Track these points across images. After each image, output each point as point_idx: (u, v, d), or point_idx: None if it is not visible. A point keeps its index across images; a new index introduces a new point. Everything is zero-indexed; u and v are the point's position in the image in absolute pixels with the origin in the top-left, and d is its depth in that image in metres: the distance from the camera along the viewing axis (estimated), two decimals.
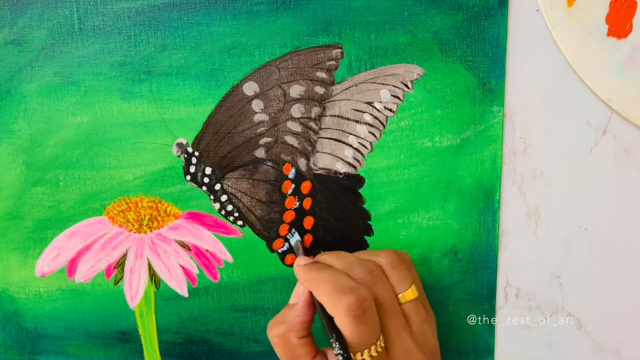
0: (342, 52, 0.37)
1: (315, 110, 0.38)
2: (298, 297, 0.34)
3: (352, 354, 0.31)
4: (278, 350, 0.34)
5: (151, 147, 0.38)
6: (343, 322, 0.31)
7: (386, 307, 0.33)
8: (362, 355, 0.31)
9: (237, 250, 0.40)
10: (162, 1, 0.36)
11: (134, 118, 0.38)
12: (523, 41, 0.38)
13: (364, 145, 0.39)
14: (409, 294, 0.34)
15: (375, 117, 0.38)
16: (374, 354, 0.31)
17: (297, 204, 0.39)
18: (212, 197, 0.39)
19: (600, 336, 0.42)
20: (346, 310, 0.31)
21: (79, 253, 0.39)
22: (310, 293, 0.34)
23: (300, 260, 0.35)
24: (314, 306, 0.34)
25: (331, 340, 0.31)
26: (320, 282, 0.33)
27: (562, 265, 0.41)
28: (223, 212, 0.39)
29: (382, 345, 0.32)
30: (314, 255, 0.40)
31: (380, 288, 0.33)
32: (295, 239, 0.39)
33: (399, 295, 0.34)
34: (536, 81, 0.38)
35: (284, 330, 0.33)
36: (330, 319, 0.32)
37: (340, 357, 0.31)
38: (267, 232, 0.40)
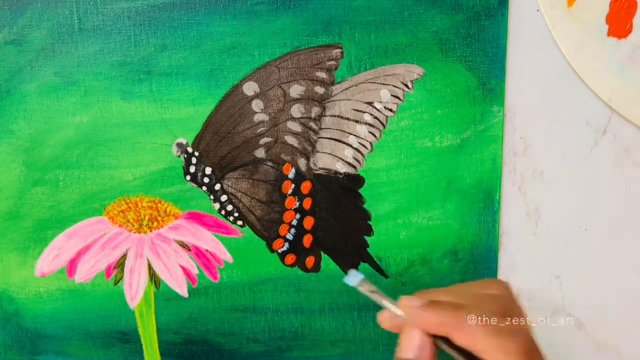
0: (342, 52, 0.37)
1: (315, 110, 0.38)
2: (414, 348, 0.27)
3: None
4: None
5: (151, 147, 0.38)
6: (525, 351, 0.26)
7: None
8: None
9: (237, 250, 0.40)
10: (162, 1, 0.36)
11: (134, 118, 0.38)
12: (523, 41, 0.37)
13: (364, 145, 0.39)
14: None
15: (375, 117, 0.38)
16: None
17: (297, 204, 0.39)
18: (212, 197, 0.39)
19: (600, 336, 0.42)
20: (521, 355, 0.26)
21: (79, 253, 0.39)
22: (434, 341, 0.28)
23: (414, 301, 0.28)
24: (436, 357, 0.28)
25: None
26: (469, 326, 0.26)
27: (562, 265, 0.41)
28: (223, 212, 0.39)
29: None
30: (314, 255, 0.40)
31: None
32: (359, 278, 0.32)
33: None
34: (536, 81, 0.38)
35: None
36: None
37: None
38: (267, 232, 0.40)
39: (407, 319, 0.28)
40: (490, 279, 0.32)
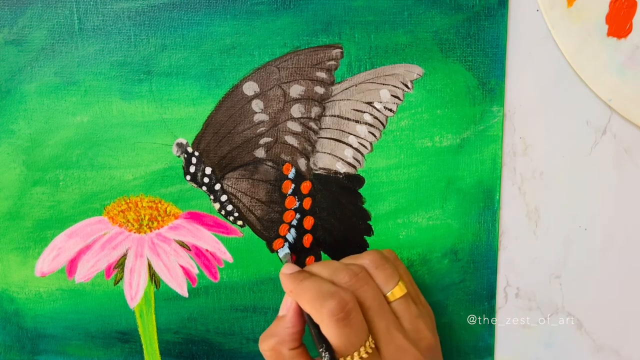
0: (342, 52, 0.37)
1: (315, 110, 0.38)
2: (287, 308, 0.34)
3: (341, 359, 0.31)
4: None
5: (151, 147, 0.38)
6: (327, 328, 0.31)
7: (374, 308, 0.33)
8: (352, 358, 0.31)
9: (237, 250, 0.40)
10: (162, 1, 0.36)
11: (134, 118, 0.38)
12: (523, 41, 0.38)
13: (364, 145, 0.39)
14: (397, 291, 0.34)
15: (375, 117, 0.38)
16: (364, 355, 0.31)
17: (297, 204, 0.39)
18: (212, 197, 0.39)
19: (600, 336, 0.42)
20: (329, 315, 0.31)
21: (79, 253, 0.39)
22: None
23: (286, 269, 0.35)
24: (303, 316, 0.34)
25: (320, 350, 0.31)
26: (302, 291, 0.33)
27: (562, 265, 0.41)
28: (223, 212, 0.39)
29: (372, 346, 0.32)
30: (314, 255, 0.40)
31: (366, 290, 0.33)
32: (284, 252, 0.39)
33: (387, 294, 0.34)
34: (536, 81, 0.38)
35: (275, 343, 0.33)
36: (317, 328, 0.32)
37: None
38: (267, 232, 0.40)
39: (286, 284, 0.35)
40: (372, 250, 0.36)
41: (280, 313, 0.35)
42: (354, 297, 0.32)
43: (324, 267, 0.35)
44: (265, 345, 0.34)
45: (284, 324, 0.34)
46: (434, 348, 0.35)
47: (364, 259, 0.35)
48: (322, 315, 0.31)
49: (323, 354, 0.31)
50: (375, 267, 0.35)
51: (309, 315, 0.33)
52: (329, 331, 0.31)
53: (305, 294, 0.32)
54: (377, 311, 0.33)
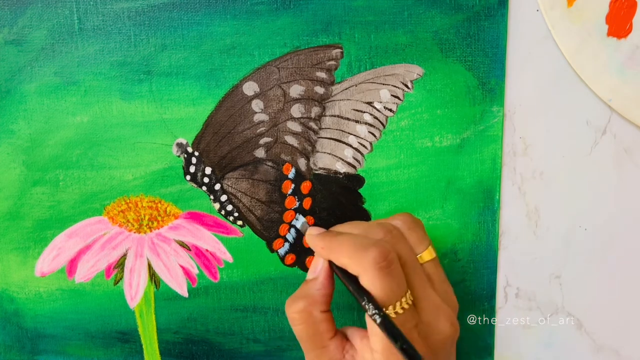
0: (342, 52, 0.37)
1: (315, 110, 0.38)
2: (317, 270, 0.33)
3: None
4: (298, 328, 0.33)
5: (151, 147, 0.38)
6: (371, 277, 0.30)
7: (409, 264, 0.32)
8: (394, 308, 0.30)
9: (237, 250, 0.40)
10: (162, 1, 0.36)
11: (134, 118, 0.38)
12: (523, 41, 0.38)
13: (363, 145, 0.39)
14: (427, 254, 0.34)
15: (375, 117, 0.38)
16: (405, 306, 0.31)
17: (297, 204, 0.39)
18: (212, 197, 0.39)
19: (600, 336, 0.42)
20: (372, 264, 0.30)
21: (79, 253, 0.39)
22: (330, 264, 0.33)
23: (313, 230, 0.35)
24: (333, 279, 0.34)
25: (362, 303, 0.30)
26: (339, 245, 0.32)
27: (562, 265, 0.41)
28: (223, 212, 0.39)
29: (411, 299, 0.31)
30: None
31: (401, 247, 0.33)
32: (300, 221, 0.39)
33: (418, 256, 0.34)
34: (536, 81, 0.38)
35: (305, 304, 0.32)
36: (355, 282, 0.31)
37: (377, 317, 0.29)
38: (267, 232, 0.40)
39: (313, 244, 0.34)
40: (404, 213, 0.36)
41: (309, 277, 0.34)
42: (395, 250, 0.32)
43: (354, 226, 0.34)
44: (294, 307, 0.33)
45: (315, 286, 0.33)
46: (457, 312, 0.35)
47: (396, 220, 0.35)
48: (365, 265, 0.30)
49: (366, 307, 0.30)
50: (407, 228, 0.34)
51: (344, 272, 0.32)
52: (372, 280, 0.30)
53: (342, 247, 0.31)
54: (413, 268, 0.32)
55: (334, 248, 0.32)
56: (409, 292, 0.31)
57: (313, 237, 0.34)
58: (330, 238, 0.33)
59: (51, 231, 0.39)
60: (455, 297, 0.35)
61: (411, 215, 0.36)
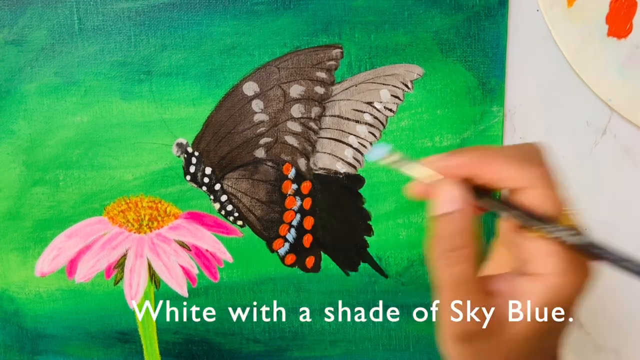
0: (342, 52, 0.37)
1: (315, 110, 0.38)
2: (449, 201, 0.25)
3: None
4: (455, 269, 0.25)
5: (151, 147, 0.38)
6: (547, 187, 0.25)
7: None
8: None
9: (237, 250, 0.40)
10: (162, 1, 0.36)
11: (134, 118, 0.38)
12: (523, 41, 0.37)
13: (364, 145, 0.39)
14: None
15: (375, 117, 0.38)
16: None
17: (297, 204, 0.39)
18: (212, 197, 0.39)
19: (600, 336, 0.42)
20: (548, 171, 0.25)
21: (79, 253, 0.39)
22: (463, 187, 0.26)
23: (432, 158, 0.26)
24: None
25: (539, 227, 0.25)
26: (491, 159, 0.25)
27: None
28: (223, 212, 0.39)
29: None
30: (314, 255, 0.40)
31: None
32: (385, 149, 0.28)
33: None
34: (536, 81, 0.38)
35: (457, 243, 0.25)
36: (517, 208, 0.25)
37: (570, 238, 0.24)
38: (267, 232, 0.40)
39: (434, 171, 0.26)
40: (528, 144, 0.28)
41: (440, 211, 0.25)
42: None
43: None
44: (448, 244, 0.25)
45: (456, 221, 0.25)
46: None
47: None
48: (539, 174, 0.25)
49: (550, 229, 0.25)
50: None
51: (495, 199, 0.26)
52: (549, 192, 0.25)
53: (497, 162, 0.25)
54: None
55: (487, 163, 0.25)
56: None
57: (444, 158, 0.25)
58: (475, 152, 0.26)
59: (51, 231, 0.39)
60: None
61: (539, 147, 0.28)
